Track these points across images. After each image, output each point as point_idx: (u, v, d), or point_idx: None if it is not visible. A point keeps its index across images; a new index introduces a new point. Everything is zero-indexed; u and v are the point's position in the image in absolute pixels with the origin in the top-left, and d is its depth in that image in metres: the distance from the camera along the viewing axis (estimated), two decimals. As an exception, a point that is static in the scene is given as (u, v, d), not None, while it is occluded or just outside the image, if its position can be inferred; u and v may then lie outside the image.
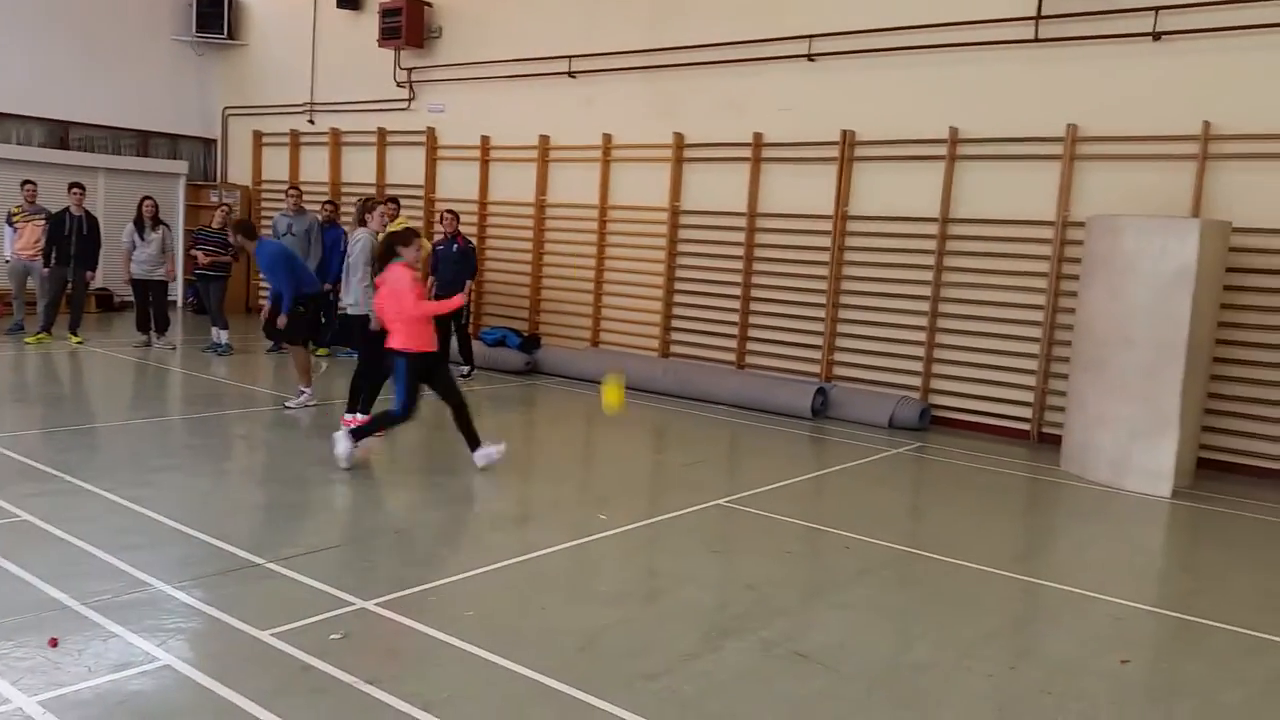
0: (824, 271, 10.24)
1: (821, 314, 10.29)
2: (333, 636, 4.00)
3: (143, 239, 11.55)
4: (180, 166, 16.23)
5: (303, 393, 8.85)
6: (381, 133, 14.13)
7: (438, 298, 10.85)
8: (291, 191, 12.24)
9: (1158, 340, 7.39)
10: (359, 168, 14.53)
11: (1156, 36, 8.40)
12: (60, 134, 15.27)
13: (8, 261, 12.16)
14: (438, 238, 11.25)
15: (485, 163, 13.00)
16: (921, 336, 9.70)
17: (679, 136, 11.17)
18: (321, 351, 12.07)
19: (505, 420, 9.23)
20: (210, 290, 11.86)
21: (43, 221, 11.83)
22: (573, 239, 12.22)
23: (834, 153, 10.10)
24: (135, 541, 5.00)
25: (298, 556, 4.94)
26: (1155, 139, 8.44)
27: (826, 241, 10.21)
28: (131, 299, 12.16)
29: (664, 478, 6.83)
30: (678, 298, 11.40)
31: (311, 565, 4.82)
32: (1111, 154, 8.71)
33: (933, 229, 9.57)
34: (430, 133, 13.54)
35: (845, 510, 6.63)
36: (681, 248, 11.32)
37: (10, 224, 12.09)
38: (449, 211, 11.18)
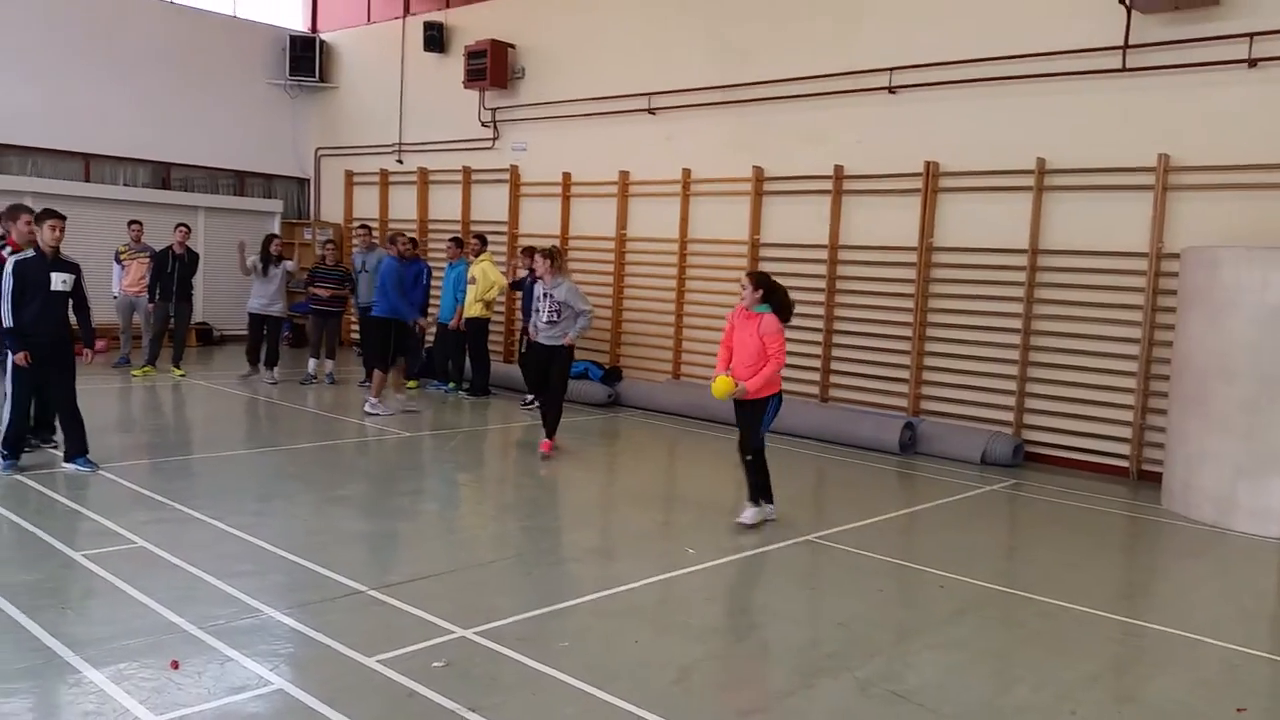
0: (909, 304, 10.14)
1: (908, 347, 10.18)
2: (435, 664, 4.10)
3: (265, 275, 12.07)
4: (275, 205, 16.92)
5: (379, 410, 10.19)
6: (467, 171, 14.52)
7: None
8: (359, 230, 12.68)
9: (1261, 374, 7.14)
10: (445, 205, 14.93)
11: (1253, 64, 8.20)
12: (163, 175, 16.05)
13: (115, 297, 12.78)
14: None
15: (566, 198, 13.24)
16: (1013, 370, 9.51)
17: (758, 170, 11.24)
18: (411, 384, 12.38)
19: (590, 453, 9.31)
20: (328, 324, 12.41)
21: (148, 259, 12.44)
22: (653, 272, 12.35)
23: (917, 184, 10.04)
24: (244, 568, 5.20)
25: (399, 585, 5.07)
26: (1253, 168, 8.20)
27: (911, 274, 10.12)
28: (240, 333, 12.83)
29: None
30: (759, 331, 11.38)
31: (412, 594, 4.94)
32: (1206, 184, 8.49)
33: (1022, 260, 9.42)
34: (514, 170, 13.86)
35: (938, 548, 6.50)
36: (762, 281, 11.32)
37: (118, 261, 12.72)
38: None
